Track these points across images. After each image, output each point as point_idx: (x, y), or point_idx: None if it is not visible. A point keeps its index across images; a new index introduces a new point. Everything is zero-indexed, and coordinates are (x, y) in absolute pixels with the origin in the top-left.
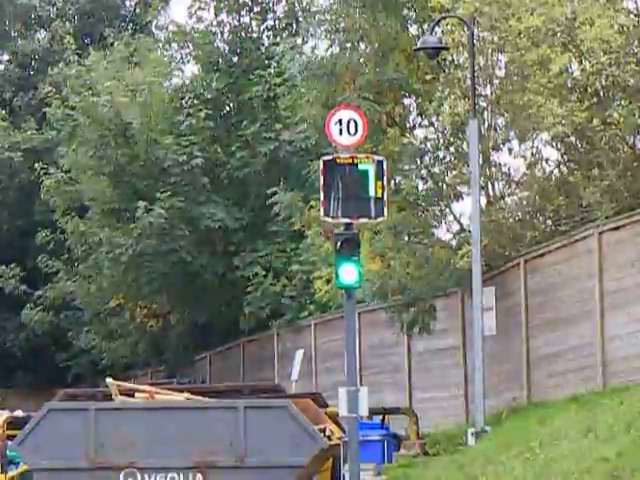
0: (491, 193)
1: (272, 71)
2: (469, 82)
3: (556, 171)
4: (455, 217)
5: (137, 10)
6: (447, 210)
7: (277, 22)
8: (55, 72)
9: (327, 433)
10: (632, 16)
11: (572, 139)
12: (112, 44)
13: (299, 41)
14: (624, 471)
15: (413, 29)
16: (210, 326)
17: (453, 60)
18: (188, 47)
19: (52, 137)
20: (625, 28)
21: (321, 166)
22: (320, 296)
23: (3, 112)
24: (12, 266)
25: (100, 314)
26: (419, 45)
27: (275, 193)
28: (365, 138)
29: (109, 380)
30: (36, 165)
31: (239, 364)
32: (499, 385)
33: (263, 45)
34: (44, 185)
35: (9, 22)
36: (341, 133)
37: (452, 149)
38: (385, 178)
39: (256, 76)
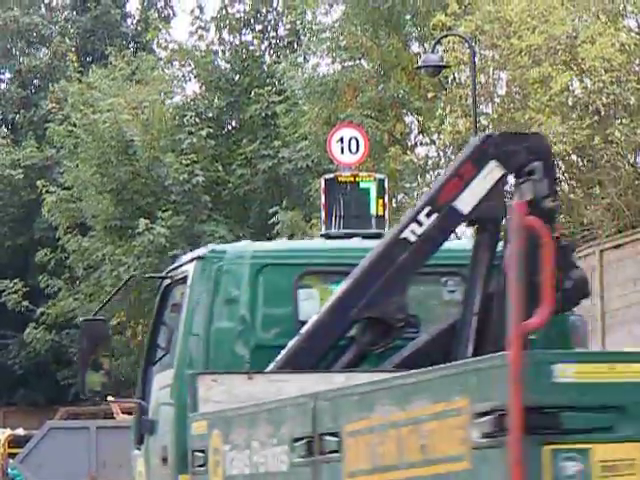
0: None
1: (272, 89)
2: (470, 100)
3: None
4: (456, 235)
5: (138, 28)
6: None
7: (279, 40)
8: (56, 89)
9: None
10: (633, 34)
11: (573, 157)
12: (111, 63)
13: (300, 59)
14: None
15: (414, 47)
16: None
17: (455, 78)
18: (189, 65)
19: (52, 155)
20: (626, 46)
21: (322, 184)
22: None
23: (4, 130)
24: (15, 281)
25: None
26: (420, 63)
27: (276, 212)
28: (366, 156)
29: (110, 398)
30: (38, 182)
31: None
32: None
33: (264, 63)
34: (46, 202)
35: (12, 40)
36: (342, 151)
37: None
38: (387, 196)
39: (256, 94)
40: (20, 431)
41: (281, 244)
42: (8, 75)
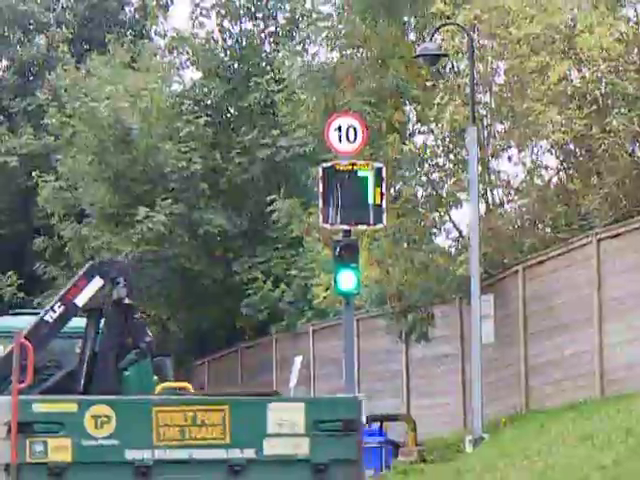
0: (490, 200)
1: (270, 77)
2: (469, 89)
3: (555, 179)
4: (454, 224)
5: (136, 16)
6: (446, 217)
7: (278, 29)
8: (53, 77)
9: None
10: (632, 24)
11: (571, 147)
12: (109, 51)
13: (299, 47)
14: (621, 479)
15: (413, 36)
16: (209, 332)
17: (453, 67)
18: (188, 53)
19: (49, 142)
20: (625, 36)
21: (320, 173)
22: (318, 303)
23: (1, 117)
24: (9, 274)
25: None
26: (419, 52)
27: (274, 200)
28: (364, 145)
29: None
30: (33, 173)
31: (238, 370)
32: (497, 393)
33: (264, 52)
34: (41, 194)
35: (8, 28)
36: (340, 140)
37: (451, 156)
38: (384, 185)
39: (255, 83)
40: None
41: None
42: (5, 63)
